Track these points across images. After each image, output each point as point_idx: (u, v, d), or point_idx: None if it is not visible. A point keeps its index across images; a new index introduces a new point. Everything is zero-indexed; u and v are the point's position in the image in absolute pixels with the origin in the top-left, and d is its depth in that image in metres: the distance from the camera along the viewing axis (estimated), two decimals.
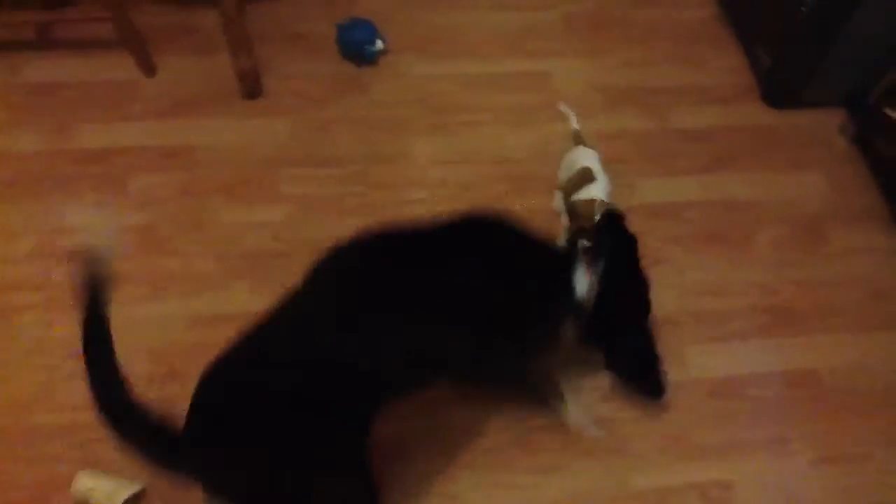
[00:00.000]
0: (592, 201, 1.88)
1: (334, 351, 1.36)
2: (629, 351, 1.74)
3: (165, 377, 1.80)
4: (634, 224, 2.07)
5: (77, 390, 1.75)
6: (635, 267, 1.72)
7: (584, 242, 1.67)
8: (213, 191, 2.11)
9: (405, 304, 1.42)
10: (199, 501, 1.42)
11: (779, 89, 2.43)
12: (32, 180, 2.09)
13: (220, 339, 1.83)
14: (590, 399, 1.82)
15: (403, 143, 2.27)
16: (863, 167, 2.32)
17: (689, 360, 1.93)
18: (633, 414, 1.83)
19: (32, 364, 1.81)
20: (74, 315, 1.83)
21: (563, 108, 2.15)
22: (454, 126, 2.32)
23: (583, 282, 1.59)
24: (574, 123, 2.11)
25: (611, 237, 1.70)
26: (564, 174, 2.04)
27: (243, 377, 1.37)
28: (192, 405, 1.36)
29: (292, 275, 1.95)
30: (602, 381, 1.86)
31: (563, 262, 1.61)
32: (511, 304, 1.50)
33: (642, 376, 1.79)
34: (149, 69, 2.31)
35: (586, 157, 2.00)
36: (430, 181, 2.19)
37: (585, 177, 1.95)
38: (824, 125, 2.40)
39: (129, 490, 1.62)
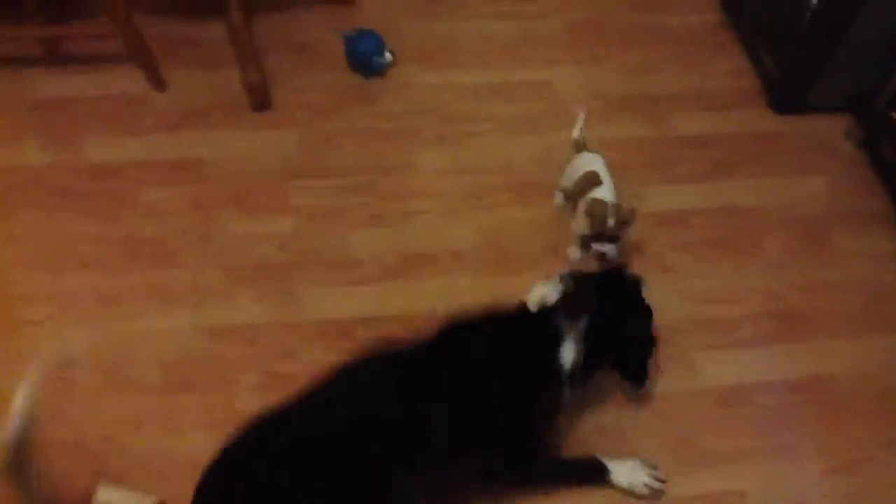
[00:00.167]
0: (603, 202, 1.89)
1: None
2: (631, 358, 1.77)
3: (177, 388, 1.81)
4: (639, 232, 2.10)
5: (89, 403, 1.78)
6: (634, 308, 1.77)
7: (568, 283, 1.71)
8: (221, 203, 2.13)
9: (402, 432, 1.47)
10: None
11: (783, 94, 2.43)
12: (42, 194, 2.11)
13: (230, 349, 1.87)
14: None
15: (410, 154, 2.28)
16: (868, 171, 2.32)
17: (697, 368, 1.93)
18: (642, 423, 1.84)
19: (50, 376, 1.82)
20: (85, 328, 1.88)
21: (580, 113, 2.15)
22: (459, 136, 2.33)
23: (569, 352, 1.62)
24: (575, 132, 2.13)
25: (597, 290, 1.73)
26: (568, 179, 2.06)
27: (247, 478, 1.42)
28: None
29: (300, 285, 1.98)
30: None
31: (546, 341, 1.63)
32: (510, 410, 1.57)
33: (634, 367, 1.79)
34: (158, 83, 2.33)
35: (591, 162, 2.01)
36: (436, 191, 2.20)
37: (592, 180, 1.96)
38: (829, 130, 2.41)
39: (146, 502, 1.64)
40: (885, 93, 2.25)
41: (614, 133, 2.36)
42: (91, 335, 1.88)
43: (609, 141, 2.30)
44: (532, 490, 1.70)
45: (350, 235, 2.10)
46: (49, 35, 2.39)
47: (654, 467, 1.73)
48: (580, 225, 1.97)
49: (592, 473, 1.71)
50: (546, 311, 1.67)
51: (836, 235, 2.19)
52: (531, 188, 2.22)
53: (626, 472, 1.70)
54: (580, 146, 2.09)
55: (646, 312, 1.76)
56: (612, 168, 2.01)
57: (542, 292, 1.80)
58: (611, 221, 1.86)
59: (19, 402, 1.29)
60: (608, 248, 1.92)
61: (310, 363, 1.86)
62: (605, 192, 1.93)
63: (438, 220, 2.15)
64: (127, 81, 2.35)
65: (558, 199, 2.16)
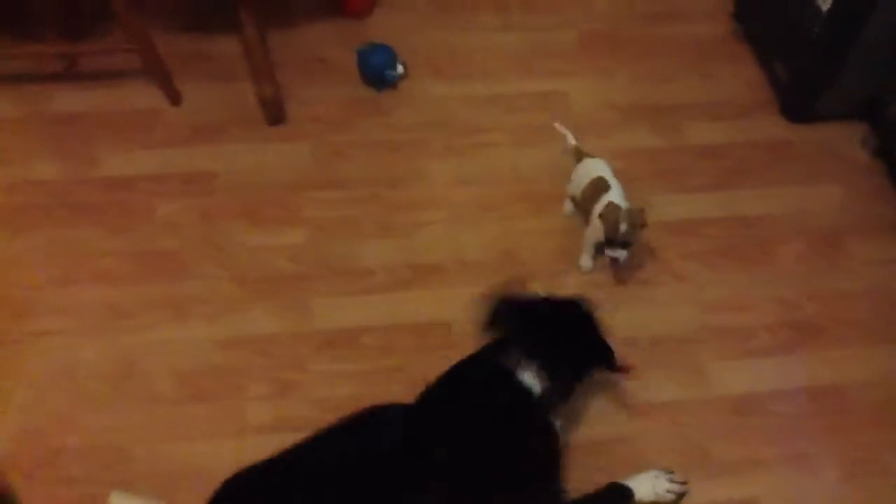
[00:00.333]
0: (618, 207, 1.90)
1: None
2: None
3: (188, 397, 1.83)
4: (652, 240, 2.09)
5: (103, 413, 1.80)
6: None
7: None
8: (235, 215, 2.15)
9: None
10: None
11: (796, 103, 2.42)
12: (56, 207, 2.14)
13: (241, 359, 1.88)
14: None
15: (422, 166, 2.29)
16: (882, 180, 2.30)
17: (711, 377, 1.91)
18: (655, 432, 1.83)
19: (60, 386, 1.84)
20: (100, 338, 1.90)
21: (558, 127, 2.20)
22: (471, 147, 2.34)
23: (534, 382, 1.60)
24: (571, 140, 2.14)
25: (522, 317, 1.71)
26: (576, 187, 2.06)
27: None
28: None
29: (311, 296, 1.99)
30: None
31: (507, 382, 1.61)
32: (512, 465, 1.56)
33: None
34: (174, 97, 2.36)
35: (597, 167, 2.02)
36: (448, 202, 2.21)
37: (600, 186, 1.97)
38: (842, 138, 2.39)
39: None
40: None
41: (627, 143, 2.37)
42: (104, 346, 1.90)
43: (621, 151, 2.31)
44: None
45: (361, 246, 2.11)
46: (66, 52, 2.43)
47: (670, 472, 1.73)
48: (594, 232, 1.98)
49: (618, 499, 1.70)
50: (498, 351, 1.67)
51: (850, 244, 2.17)
52: (541, 199, 2.22)
53: (647, 485, 1.70)
54: (580, 154, 2.10)
55: (583, 315, 1.73)
56: (624, 179, 2.02)
57: None
58: (623, 226, 1.86)
59: None
60: (619, 254, 1.92)
61: (318, 373, 1.88)
62: (614, 196, 1.94)
63: (448, 231, 2.15)
64: (141, 96, 2.38)
65: (567, 207, 2.16)
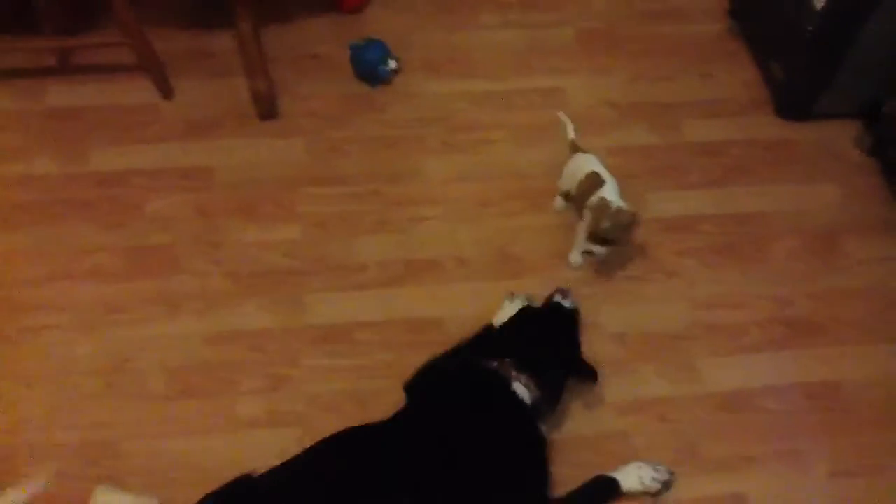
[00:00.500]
0: (606, 202, 1.90)
1: None
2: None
3: (179, 393, 1.83)
4: (646, 237, 2.09)
5: (94, 408, 1.80)
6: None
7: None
8: (229, 211, 2.14)
9: None
10: None
11: (792, 101, 2.42)
12: (52, 203, 2.13)
13: (233, 354, 1.88)
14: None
15: (417, 161, 2.29)
16: (878, 178, 2.30)
17: (703, 374, 1.92)
18: (645, 428, 1.83)
19: (57, 382, 1.84)
20: (93, 334, 1.90)
21: (561, 116, 2.19)
22: (468, 144, 2.34)
23: (523, 391, 1.65)
24: (571, 132, 2.13)
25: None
26: (567, 182, 2.06)
27: None
28: None
29: (305, 291, 1.99)
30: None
31: (500, 392, 1.66)
32: (503, 469, 1.60)
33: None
34: (167, 92, 2.36)
35: (590, 162, 2.02)
36: (445, 198, 2.20)
37: (595, 181, 1.97)
38: (838, 137, 2.39)
39: None
40: (895, 99, 2.23)
41: (624, 141, 2.36)
42: (96, 341, 1.89)
43: (619, 148, 2.31)
44: None
45: (356, 241, 2.10)
46: (61, 46, 2.42)
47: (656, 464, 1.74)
48: (585, 226, 1.98)
49: (605, 491, 1.71)
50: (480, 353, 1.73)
51: (845, 242, 2.17)
52: (538, 196, 2.21)
53: (633, 476, 1.71)
54: (575, 147, 2.10)
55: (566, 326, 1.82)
56: (621, 175, 2.02)
57: (508, 312, 1.89)
58: (605, 223, 1.87)
59: None
60: (597, 249, 1.93)
61: (311, 368, 1.87)
62: (609, 191, 1.94)
63: (444, 227, 2.15)
64: (136, 91, 2.37)
65: (558, 202, 2.16)
